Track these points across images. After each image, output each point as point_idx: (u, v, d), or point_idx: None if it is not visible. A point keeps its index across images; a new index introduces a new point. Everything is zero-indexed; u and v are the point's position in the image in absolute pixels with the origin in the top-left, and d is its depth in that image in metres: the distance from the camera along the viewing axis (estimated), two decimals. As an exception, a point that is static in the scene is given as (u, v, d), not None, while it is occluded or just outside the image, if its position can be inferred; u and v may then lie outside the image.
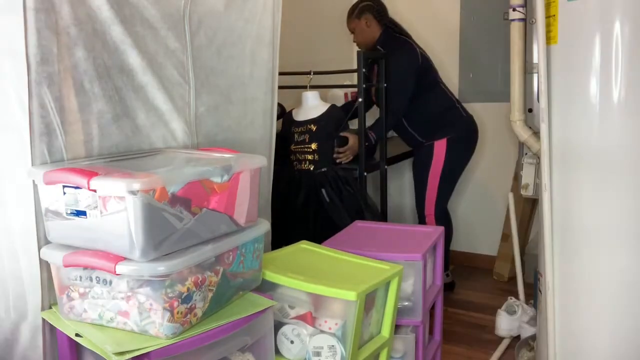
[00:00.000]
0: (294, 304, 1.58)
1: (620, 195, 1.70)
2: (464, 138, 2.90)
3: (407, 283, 1.83)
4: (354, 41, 2.92)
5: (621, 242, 1.73)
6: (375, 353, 1.67)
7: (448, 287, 3.11)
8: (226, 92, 1.79)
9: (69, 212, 1.23)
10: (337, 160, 2.52)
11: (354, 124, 2.73)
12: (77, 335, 1.24)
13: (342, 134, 2.53)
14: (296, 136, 2.50)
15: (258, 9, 1.87)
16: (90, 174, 1.17)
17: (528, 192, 2.21)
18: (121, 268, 1.17)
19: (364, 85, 2.48)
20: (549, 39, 1.78)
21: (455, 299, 3.08)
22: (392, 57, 2.67)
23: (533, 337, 2.33)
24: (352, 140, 2.53)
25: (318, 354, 1.53)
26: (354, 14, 2.87)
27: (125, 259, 1.18)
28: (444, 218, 2.97)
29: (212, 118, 1.74)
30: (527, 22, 1.96)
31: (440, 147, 2.84)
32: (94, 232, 1.21)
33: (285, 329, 1.57)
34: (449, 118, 2.88)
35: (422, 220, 2.98)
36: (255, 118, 1.93)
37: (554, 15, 1.76)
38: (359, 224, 2.22)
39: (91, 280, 1.25)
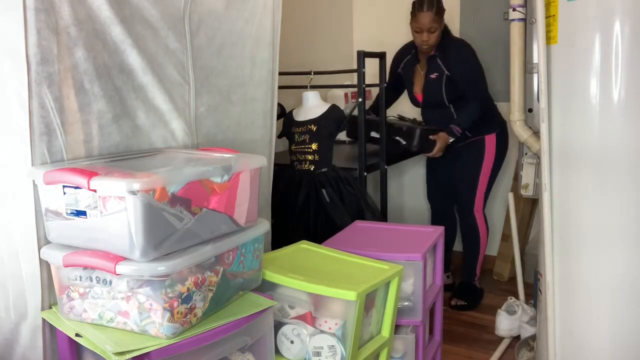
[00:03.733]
0: (294, 304, 1.58)
1: (620, 195, 1.70)
2: (506, 134, 2.93)
3: (407, 283, 1.83)
4: (425, 41, 2.72)
5: (621, 242, 1.73)
6: (375, 353, 1.67)
7: (482, 294, 3.09)
8: (226, 92, 1.79)
9: (69, 212, 1.23)
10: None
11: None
12: (77, 335, 1.24)
13: (431, 137, 2.76)
14: (296, 136, 2.50)
15: (258, 9, 1.87)
16: (90, 174, 1.17)
17: (528, 192, 2.21)
18: (121, 268, 1.17)
19: (364, 85, 2.48)
20: (549, 39, 1.79)
21: (455, 299, 3.07)
22: (459, 50, 2.79)
23: (533, 337, 2.33)
24: (441, 140, 2.75)
25: (318, 354, 1.53)
26: (436, 11, 2.69)
27: (125, 259, 1.18)
28: (485, 218, 3.03)
29: (212, 118, 1.75)
30: (527, 22, 1.96)
31: (490, 142, 2.87)
32: (94, 232, 1.21)
33: (285, 329, 1.57)
34: (495, 113, 2.93)
35: (467, 217, 2.97)
36: (255, 118, 1.93)
37: (554, 15, 1.76)
38: (359, 224, 2.22)
39: (91, 280, 1.25)
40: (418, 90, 2.91)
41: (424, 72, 2.84)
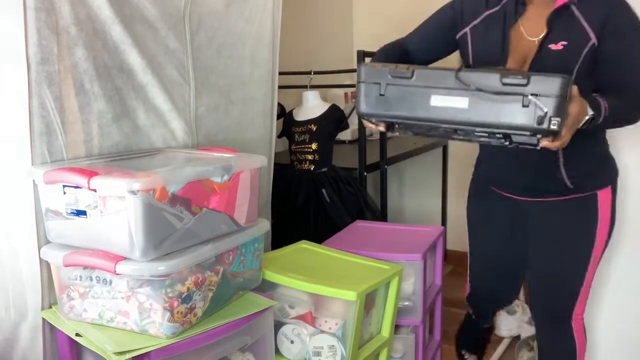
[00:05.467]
0: (294, 304, 1.58)
1: (620, 194, 1.70)
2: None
3: (407, 283, 1.83)
4: None
5: (621, 242, 1.72)
6: (375, 353, 1.67)
7: None
8: (226, 92, 1.79)
9: (69, 211, 1.23)
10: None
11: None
12: (77, 335, 1.24)
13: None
14: (296, 136, 2.50)
15: (258, 9, 1.87)
16: (90, 173, 1.17)
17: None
18: (121, 268, 1.17)
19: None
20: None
21: (455, 299, 3.07)
22: (622, 4, 1.44)
23: (533, 337, 2.33)
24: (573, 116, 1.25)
25: (318, 354, 1.53)
26: None
27: (125, 258, 1.18)
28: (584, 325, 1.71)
29: (212, 118, 1.75)
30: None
31: (606, 200, 1.58)
32: (94, 231, 1.21)
33: (285, 329, 1.57)
34: (610, 152, 1.64)
35: (558, 328, 1.67)
36: (255, 118, 1.93)
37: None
38: (359, 224, 2.22)
39: (91, 279, 1.25)
40: (515, 67, 1.50)
41: (540, 37, 1.46)
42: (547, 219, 1.61)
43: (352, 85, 2.70)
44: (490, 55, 1.51)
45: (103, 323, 1.26)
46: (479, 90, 1.21)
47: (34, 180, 1.27)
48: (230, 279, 1.40)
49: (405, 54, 1.64)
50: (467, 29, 1.56)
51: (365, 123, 1.44)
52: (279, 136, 2.60)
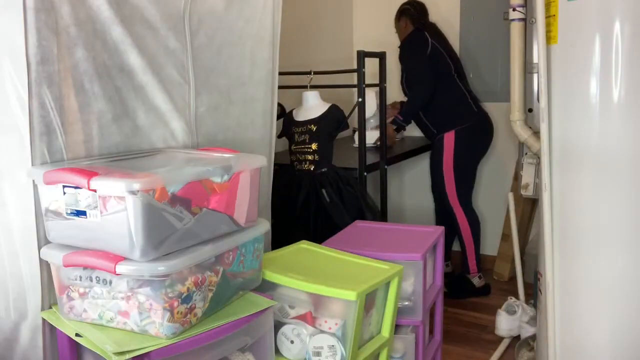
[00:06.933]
0: (294, 304, 1.58)
1: (620, 195, 1.70)
2: (473, 131, 3.02)
3: (407, 283, 1.83)
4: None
5: (621, 242, 1.73)
6: (375, 353, 1.67)
7: (482, 292, 3.16)
8: (226, 92, 1.79)
9: (69, 212, 1.23)
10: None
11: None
12: (77, 335, 1.24)
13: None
14: (296, 136, 2.50)
15: (258, 8, 1.87)
16: (90, 174, 1.17)
17: (528, 192, 2.21)
18: (121, 268, 1.17)
19: (364, 85, 2.48)
20: (549, 39, 1.79)
21: (455, 299, 3.08)
22: (406, 48, 3.11)
23: (533, 337, 2.33)
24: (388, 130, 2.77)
25: (318, 353, 1.53)
26: (396, 16, 3.22)
27: (125, 258, 1.18)
28: (473, 216, 3.12)
29: (212, 118, 1.75)
30: (527, 22, 1.97)
31: (449, 140, 2.99)
32: (94, 232, 1.21)
33: (285, 329, 1.57)
34: (459, 111, 3.03)
35: (449, 215, 3.09)
36: (255, 118, 1.93)
37: (554, 15, 1.76)
38: (359, 224, 2.22)
39: (91, 280, 1.25)
40: None
41: None
42: (431, 153, 3.32)
43: (353, 86, 2.69)
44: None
45: (103, 323, 1.26)
46: None
47: (34, 181, 1.27)
48: (230, 279, 1.40)
49: None
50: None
51: None
52: (279, 136, 2.60)
